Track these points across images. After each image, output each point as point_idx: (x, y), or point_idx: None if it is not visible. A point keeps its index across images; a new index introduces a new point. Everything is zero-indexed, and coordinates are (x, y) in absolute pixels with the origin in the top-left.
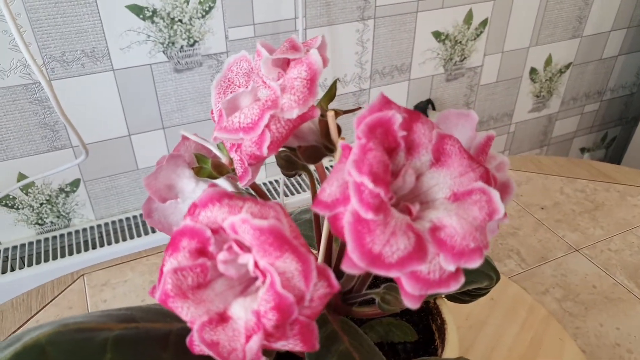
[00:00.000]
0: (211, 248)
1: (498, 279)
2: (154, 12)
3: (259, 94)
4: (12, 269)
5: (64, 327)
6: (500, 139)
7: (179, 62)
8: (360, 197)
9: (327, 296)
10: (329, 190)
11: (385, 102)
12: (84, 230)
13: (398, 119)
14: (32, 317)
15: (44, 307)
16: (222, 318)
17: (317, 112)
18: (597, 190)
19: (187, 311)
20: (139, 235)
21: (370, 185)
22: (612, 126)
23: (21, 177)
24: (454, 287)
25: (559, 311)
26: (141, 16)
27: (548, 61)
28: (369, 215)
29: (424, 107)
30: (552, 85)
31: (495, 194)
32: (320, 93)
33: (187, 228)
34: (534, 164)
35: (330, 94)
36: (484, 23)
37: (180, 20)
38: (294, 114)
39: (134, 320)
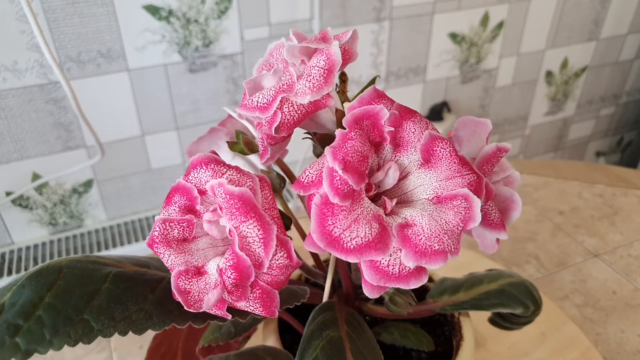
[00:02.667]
0: (199, 207)
1: (536, 309)
2: (170, 12)
3: (282, 78)
4: (26, 270)
5: (84, 257)
6: (515, 142)
7: (194, 62)
8: (331, 181)
9: (288, 268)
10: (307, 173)
11: (377, 96)
12: (97, 230)
13: (385, 113)
14: None
15: None
16: (199, 271)
17: (331, 102)
18: (616, 195)
19: (168, 258)
20: None
21: (340, 171)
22: (628, 130)
23: (35, 177)
24: (413, 285)
25: (579, 317)
26: (157, 16)
27: (564, 64)
28: (335, 200)
29: (439, 109)
30: (568, 89)
31: (476, 203)
32: (357, 89)
33: (179, 185)
34: (551, 168)
35: (366, 89)
36: (500, 25)
37: (196, 21)
38: (306, 99)
39: (147, 266)
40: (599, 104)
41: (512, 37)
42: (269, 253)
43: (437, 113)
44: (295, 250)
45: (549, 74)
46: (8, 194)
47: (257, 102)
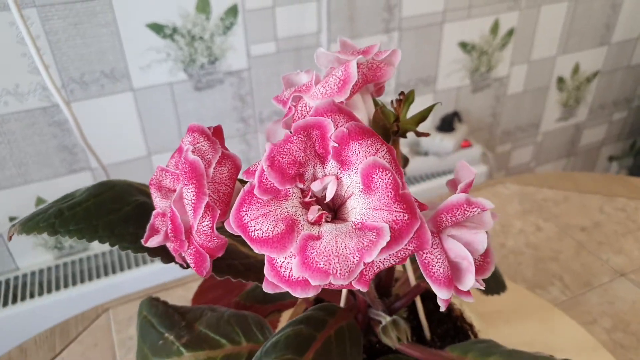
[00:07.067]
0: None
1: None
2: (175, 30)
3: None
4: (32, 296)
5: (138, 184)
6: (527, 149)
7: (199, 80)
8: (260, 175)
9: (212, 238)
10: (256, 163)
11: (331, 110)
12: (103, 254)
13: (331, 128)
14: (56, 356)
15: (68, 345)
16: None
17: None
18: (638, 209)
19: (155, 199)
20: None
21: (265, 168)
22: None
23: (39, 201)
24: (299, 294)
25: (610, 343)
26: (161, 34)
27: (575, 70)
28: (256, 192)
29: (450, 120)
30: (580, 94)
31: (382, 240)
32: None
33: (180, 145)
34: (570, 181)
35: (422, 114)
36: (510, 33)
37: (201, 38)
38: (316, 103)
39: None
40: (611, 108)
41: (522, 45)
42: (197, 217)
43: (448, 123)
44: None
45: (560, 80)
46: (12, 219)
47: (284, 95)
